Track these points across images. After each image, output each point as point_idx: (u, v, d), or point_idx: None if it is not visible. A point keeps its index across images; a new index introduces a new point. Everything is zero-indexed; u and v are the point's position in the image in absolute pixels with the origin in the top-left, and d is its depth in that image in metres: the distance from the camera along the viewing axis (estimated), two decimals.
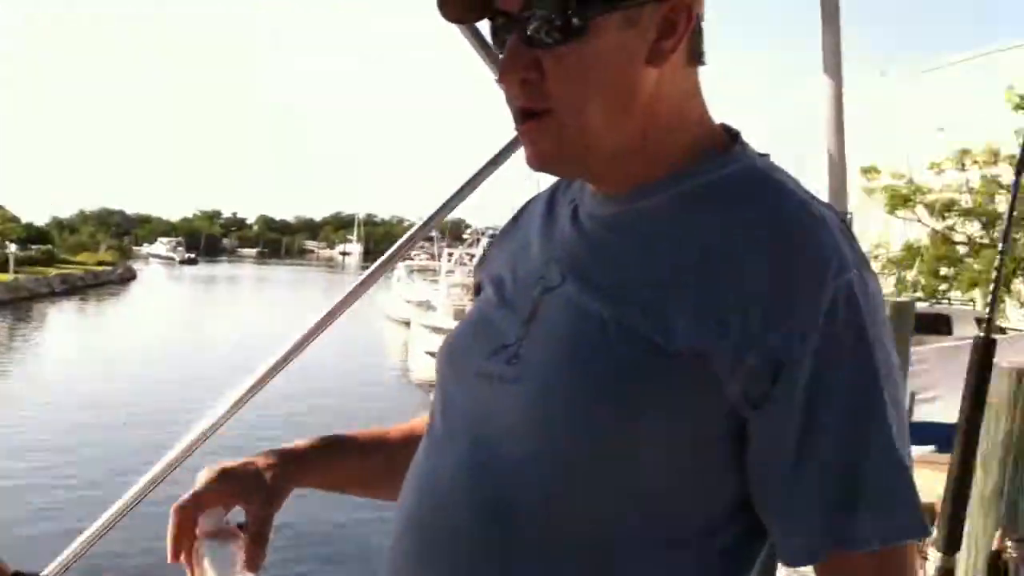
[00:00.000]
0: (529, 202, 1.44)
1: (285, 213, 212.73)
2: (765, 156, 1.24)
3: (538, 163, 1.19)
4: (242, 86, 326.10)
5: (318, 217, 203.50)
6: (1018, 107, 19.59)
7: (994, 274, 5.85)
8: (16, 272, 56.34)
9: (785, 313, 1.04)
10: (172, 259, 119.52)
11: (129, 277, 77.55)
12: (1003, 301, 19.75)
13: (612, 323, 1.12)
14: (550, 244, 1.29)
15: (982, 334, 5.78)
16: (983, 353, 5.75)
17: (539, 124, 1.16)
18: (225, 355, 27.62)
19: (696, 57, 1.21)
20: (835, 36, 1.85)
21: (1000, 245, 6.10)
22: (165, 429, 10.84)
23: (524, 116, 1.17)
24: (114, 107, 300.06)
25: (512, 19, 1.15)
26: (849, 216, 1.83)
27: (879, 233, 32.52)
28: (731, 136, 1.24)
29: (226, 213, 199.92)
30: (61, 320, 47.53)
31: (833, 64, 1.84)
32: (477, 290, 1.41)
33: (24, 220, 77.74)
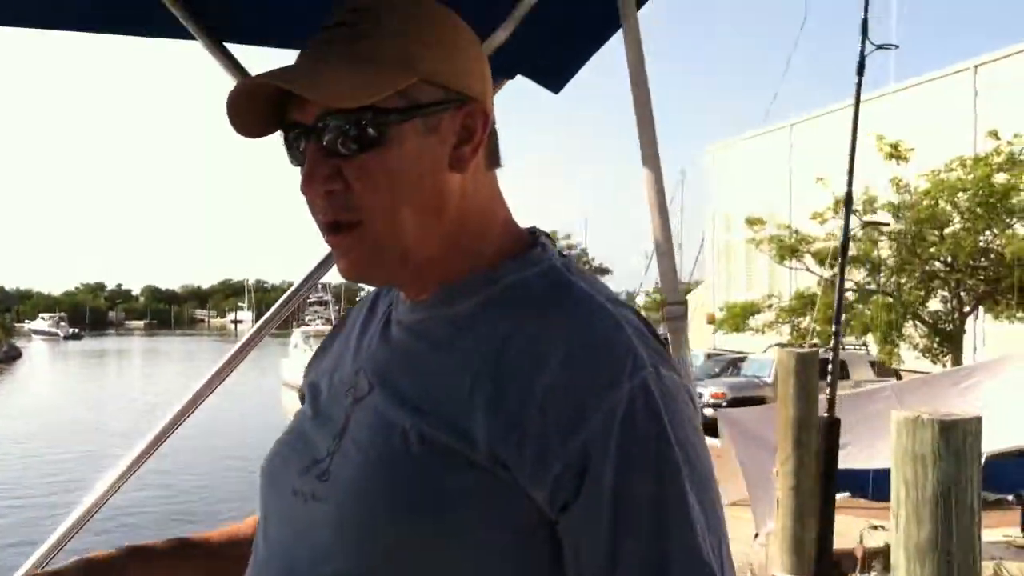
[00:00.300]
0: (353, 307, 1.43)
1: (171, 282, 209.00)
2: (567, 257, 1.24)
3: (352, 274, 1.18)
4: (115, 152, 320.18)
5: (206, 285, 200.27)
6: (890, 156, 20.40)
7: (832, 355, 6.21)
8: None
9: (582, 417, 1.03)
10: (56, 335, 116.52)
11: (15, 356, 75.09)
12: (896, 345, 20.38)
13: (415, 434, 1.09)
14: (361, 353, 1.28)
15: (825, 414, 6.11)
16: (829, 432, 6.09)
17: (349, 236, 1.14)
18: (121, 430, 27.13)
19: (494, 160, 1.23)
20: (650, 131, 1.87)
21: (833, 327, 6.55)
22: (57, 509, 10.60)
23: (331, 229, 1.15)
24: None
25: (307, 129, 1.13)
26: (683, 304, 1.89)
27: (768, 283, 33.46)
28: (534, 238, 1.25)
29: (110, 285, 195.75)
30: None
31: (651, 157, 1.87)
32: (302, 399, 1.38)
33: None
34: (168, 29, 1.98)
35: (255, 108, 1.14)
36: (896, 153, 20.37)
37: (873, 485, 8.77)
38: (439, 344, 1.17)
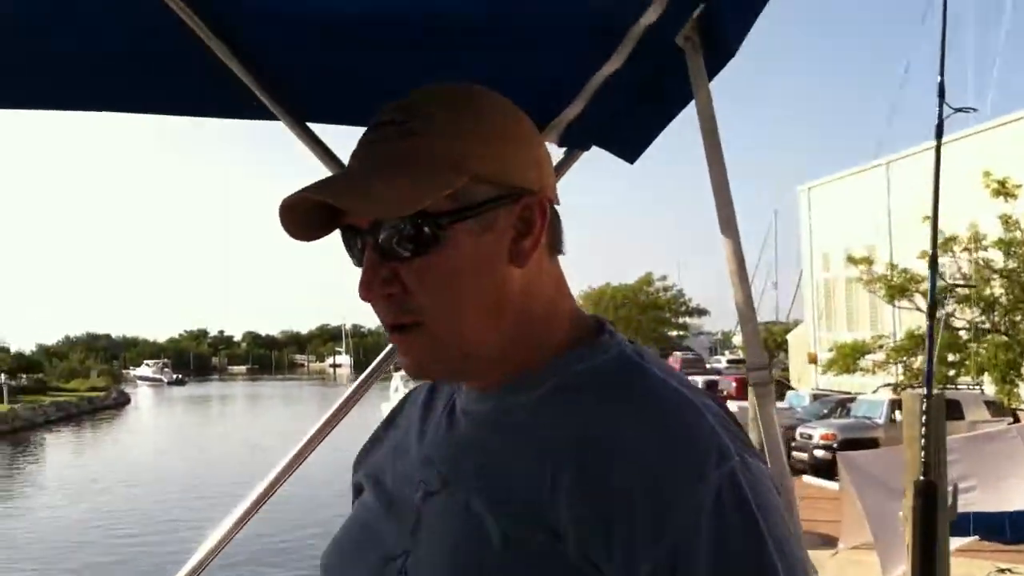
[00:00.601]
0: (409, 394, 1.40)
1: (271, 328, 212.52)
2: (634, 343, 1.21)
3: (415, 372, 1.15)
4: (214, 206, 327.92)
5: (304, 330, 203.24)
6: (997, 192, 20.00)
7: (923, 418, 6.10)
8: (11, 402, 55.94)
9: (670, 513, 0.98)
10: (160, 380, 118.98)
11: (124, 402, 77.09)
12: (1016, 385, 19.85)
13: (498, 532, 1.05)
14: (427, 443, 1.24)
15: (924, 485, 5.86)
16: (926, 496, 5.91)
17: (410, 336, 1.12)
18: (233, 475, 27.74)
19: (557, 247, 1.19)
20: (727, 200, 1.85)
21: (924, 388, 6.42)
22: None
23: (394, 329, 1.14)
24: (89, 231, 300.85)
25: (362, 231, 1.11)
26: (766, 369, 1.85)
27: (871, 321, 32.79)
28: (599, 325, 1.22)
29: (212, 332, 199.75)
30: (60, 450, 47.20)
31: (729, 226, 1.85)
32: (357, 491, 1.34)
33: (12, 349, 78.23)
34: (253, 111, 2.04)
35: (309, 214, 1.12)
36: (1003, 190, 19.95)
37: (1010, 526, 8.66)
38: (512, 435, 1.13)
